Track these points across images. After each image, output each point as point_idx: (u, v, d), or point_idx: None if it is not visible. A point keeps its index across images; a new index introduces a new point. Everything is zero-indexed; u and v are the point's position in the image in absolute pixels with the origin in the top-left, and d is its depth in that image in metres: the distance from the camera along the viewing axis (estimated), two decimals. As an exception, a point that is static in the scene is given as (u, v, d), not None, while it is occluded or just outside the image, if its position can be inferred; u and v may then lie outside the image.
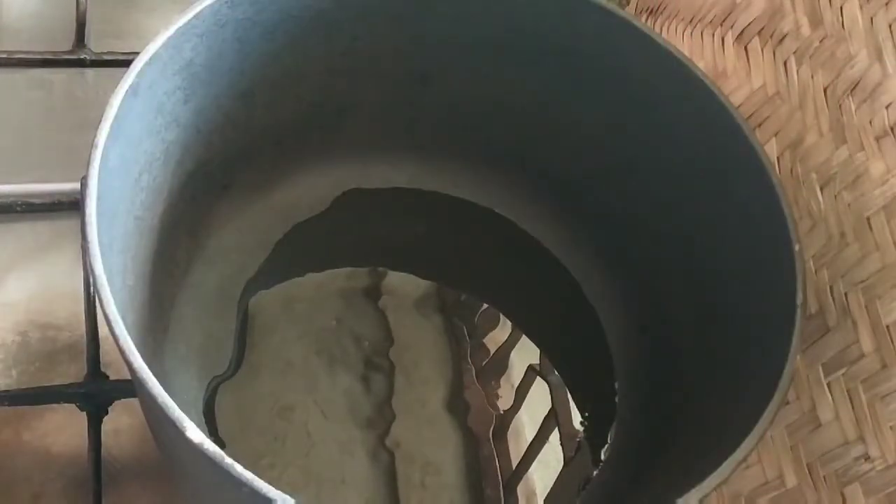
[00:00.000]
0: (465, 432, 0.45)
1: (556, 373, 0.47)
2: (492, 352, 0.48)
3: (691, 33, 0.48)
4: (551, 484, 0.44)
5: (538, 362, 0.47)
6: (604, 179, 0.46)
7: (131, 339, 0.29)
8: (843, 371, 0.38)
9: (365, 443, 0.43)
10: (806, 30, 0.41)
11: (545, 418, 0.46)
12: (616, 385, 0.46)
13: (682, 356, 0.43)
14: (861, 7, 0.38)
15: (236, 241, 0.46)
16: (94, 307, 0.44)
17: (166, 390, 0.28)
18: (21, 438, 0.44)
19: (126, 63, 0.35)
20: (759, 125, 0.43)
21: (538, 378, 0.47)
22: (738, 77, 0.44)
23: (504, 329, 0.48)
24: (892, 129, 0.37)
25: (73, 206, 0.50)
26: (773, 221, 0.37)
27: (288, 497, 0.27)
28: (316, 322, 0.46)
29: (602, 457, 0.43)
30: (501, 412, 0.46)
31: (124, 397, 0.44)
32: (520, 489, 0.44)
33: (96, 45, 0.55)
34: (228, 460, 0.27)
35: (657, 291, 0.45)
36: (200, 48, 0.38)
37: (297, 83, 0.43)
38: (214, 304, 0.44)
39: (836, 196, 0.39)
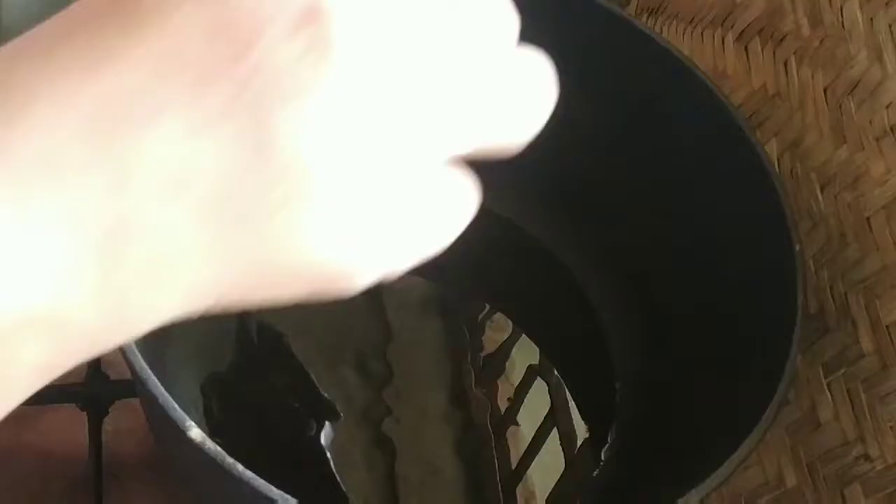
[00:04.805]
0: (464, 432, 0.45)
1: (556, 373, 0.46)
2: (492, 352, 0.48)
3: (691, 33, 0.48)
4: (551, 484, 0.44)
5: (538, 362, 0.47)
6: (603, 179, 0.46)
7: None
8: (842, 371, 0.38)
9: (364, 442, 0.43)
10: (806, 30, 0.41)
11: (545, 418, 0.45)
12: (616, 385, 0.45)
13: (682, 356, 0.43)
14: (861, 7, 0.38)
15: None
16: (95, 307, 0.44)
17: (167, 390, 0.28)
18: (21, 439, 0.44)
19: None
20: (760, 125, 0.43)
21: (538, 378, 0.47)
22: (739, 77, 0.44)
23: (504, 329, 0.48)
24: (891, 129, 0.37)
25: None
26: (773, 221, 0.37)
27: (289, 497, 0.27)
28: (316, 322, 0.46)
29: (602, 457, 0.43)
30: (501, 412, 0.46)
31: (125, 397, 0.44)
32: (519, 489, 0.44)
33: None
34: (230, 460, 0.27)
35: (657, 291, 0.45)
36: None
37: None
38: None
39: (835, 196, 0.39)
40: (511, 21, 0.19)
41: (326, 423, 0.42)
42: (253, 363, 0.45)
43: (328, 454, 0.42)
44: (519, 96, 0.19)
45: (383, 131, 0.18)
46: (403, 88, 0.18)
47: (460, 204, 0.20)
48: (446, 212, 0.20)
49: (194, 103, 0.17)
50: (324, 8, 0.17)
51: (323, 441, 0.42)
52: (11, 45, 0.18)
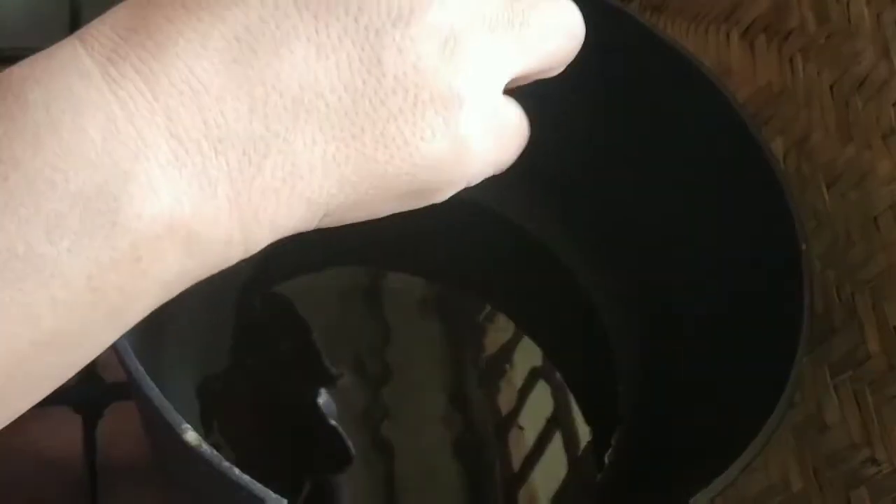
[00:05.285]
0: (464, 434, 0.45)
1: (559, 375, 0.46)
2: (493, 353, 0.48)
3: (696, 30, 0.47)
4: (553, 487, 0.43)
5: (540, 364, 0.47)
6: (606, 177, 0.45)
7: (127, 340, 0.29)
8: (849, 373, 0.37)
9: (363, 444, 0.43)
10: (812, 26, 0.40)
11: (547, 421, 0.45)
12: (619, 388, 0.45)
13: (687, 357, 0.42)
14: (868, 3, 0.38)
15: (234, 240, 0.46)
16: (89, 308, 0.44)
17: (162, 392, 0.28)
18: (14, 442, 0.43)
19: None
20: (765, 123, 0.42)
21: (540, 380, 0.46)
22: (744, 74, 0.44)
23: (505, 330, 0.48)
24: (899, 126, 0.36)
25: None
26: (779, 220, 0.37)
27: (285, 501, 0.27)
28: (315, 322, 0.46)
29: (605, 460, 0.43)
30: (502, 414, 0.45)
31: (120, 400, 0.43)
32: (521, 493, 0.43)
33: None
34: (226, 463, 0.27)
35: (661, 292, 0.44)
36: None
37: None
38: (212, 305, 0.44)
39: (842, 195, 0.39)
40: None
41: (323, 390, 0.43)
42: (252, 358, 0.45)
43: (332, 421, 0.42)
44: (556, 32, 0.24)
45: (469, 51, 0.21)
46: (481, 13, 0.22)
47: (521, 124, 0.24)
48: (514, 129, 0.24)
49: (319, 30, 0.20)
50: None
51: (323, 409, 0.42)
52: None
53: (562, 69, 0.25)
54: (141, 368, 0.28)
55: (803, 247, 0.36)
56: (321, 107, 0.20)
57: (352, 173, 0.21)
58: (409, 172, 0.22)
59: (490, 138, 0.23)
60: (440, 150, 0.22)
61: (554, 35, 0.24)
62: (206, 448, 0.27)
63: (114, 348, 0.29)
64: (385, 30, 0.20)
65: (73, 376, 0.44)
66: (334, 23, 0.20)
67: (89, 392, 0.43)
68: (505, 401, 0.46)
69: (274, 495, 0.27)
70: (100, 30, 0.20)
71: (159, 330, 0.42)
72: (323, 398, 0.43)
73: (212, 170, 0.19)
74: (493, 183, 0.48)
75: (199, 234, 0.19)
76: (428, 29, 0.21)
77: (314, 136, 0.20)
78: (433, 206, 0.24)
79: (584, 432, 0.44)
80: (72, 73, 0.19)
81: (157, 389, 0.28)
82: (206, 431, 0.41)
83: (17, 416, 0.20)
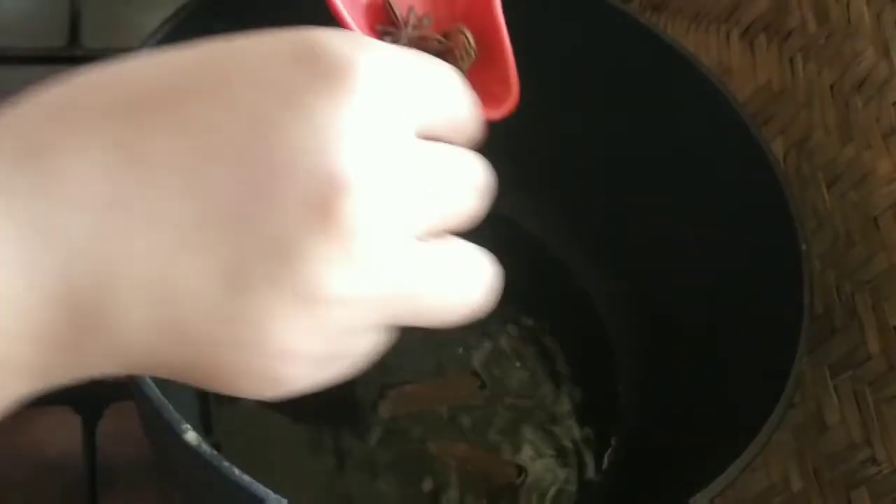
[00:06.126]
0: (466, 434, 0.45)
1: (559, 374, 0.46)
2: (494, 353, 0.48)
3: (696, 29, 0.47)
4: (553, 487, 0.43)
5: (541, 364, 0.46)
6: (607, 177, 0.45)
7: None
8: (849, 373, 0.37)
9: (363, 445, 0.43)
10: (812, 26, 0.40)
11: (547, 420, 0.45)
12: (619, 388, 0.45)
13: (687, 357, 0.42)
14: (868, 3, 0.38)
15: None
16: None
17: (162, 392, 0.28)
18: (14, 442, 0.43)
19: (121, 59, 0.34)
20: (765, 123, 0.42)
21: (540, 380, 0.46)
22: (744, 74, 0.44)
23: (506, 330, 0.48)
24: (900, 126, 0.36)
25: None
26: (779, 220, 0.37)
27: (285, 501, 0.27)
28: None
29: (605, 460, 0.43)
30: (503, 414, 0.45)
31: (120, 400, 0.43)
32: (521, 493, 0.43)
33: (91, 41, 0.54)
34: (226, 463, 0.27)
35: (662, 292, 0.44)
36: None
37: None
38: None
39: (842, 195, 0.39)
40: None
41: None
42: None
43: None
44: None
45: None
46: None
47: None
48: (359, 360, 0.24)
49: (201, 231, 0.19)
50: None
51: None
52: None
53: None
54: (141, 368, 0.28)
55: (803, 247, 0.36)
56: (170, 309, 0.20)
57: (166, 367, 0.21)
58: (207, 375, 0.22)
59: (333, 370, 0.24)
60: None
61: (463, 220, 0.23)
62: (206, 448, 0.27)
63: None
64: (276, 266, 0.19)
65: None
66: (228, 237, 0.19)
67: (89, 392, 0.43)
68: (505, 400, 0.46)
69: (274, 495, 0.27)
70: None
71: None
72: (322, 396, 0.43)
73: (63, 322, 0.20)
74: (492, 182, 0.48)
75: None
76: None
77: (145, 330, 0.20)
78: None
79: (584, 432, 0.44)
80: None
81: (157, 389, 0.28)
82: (205, 431, 0.41)
83: None
